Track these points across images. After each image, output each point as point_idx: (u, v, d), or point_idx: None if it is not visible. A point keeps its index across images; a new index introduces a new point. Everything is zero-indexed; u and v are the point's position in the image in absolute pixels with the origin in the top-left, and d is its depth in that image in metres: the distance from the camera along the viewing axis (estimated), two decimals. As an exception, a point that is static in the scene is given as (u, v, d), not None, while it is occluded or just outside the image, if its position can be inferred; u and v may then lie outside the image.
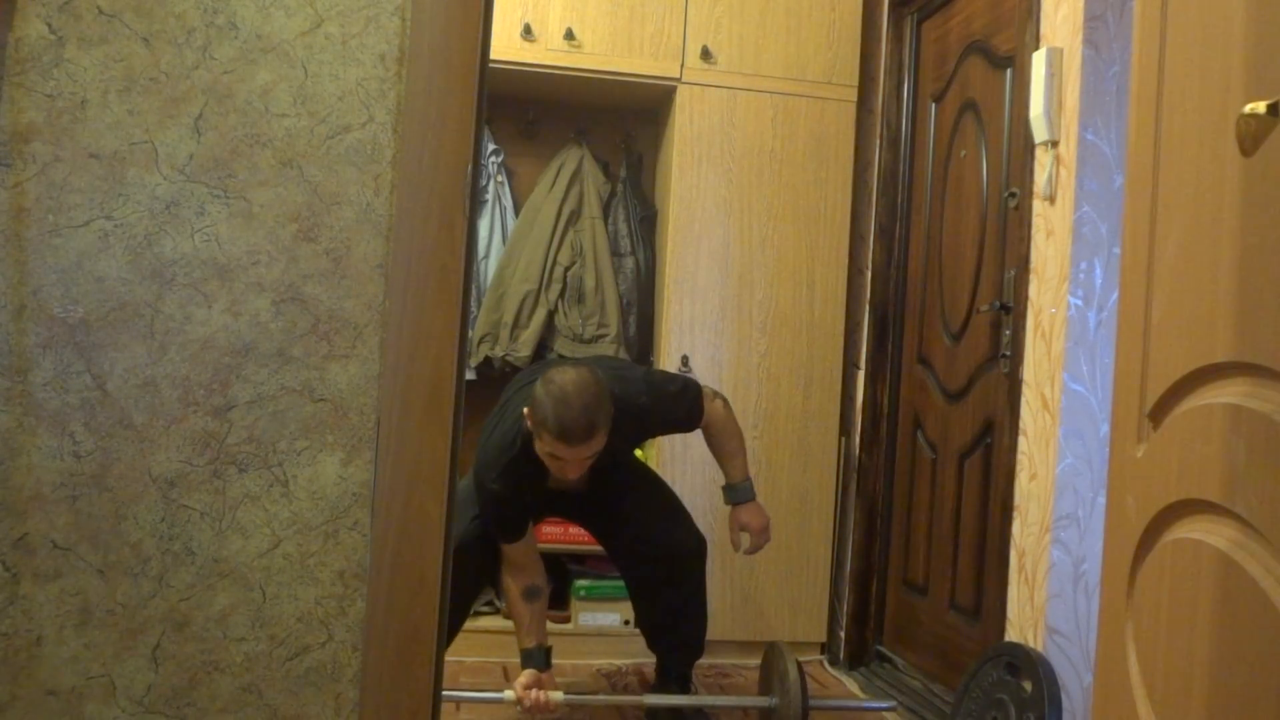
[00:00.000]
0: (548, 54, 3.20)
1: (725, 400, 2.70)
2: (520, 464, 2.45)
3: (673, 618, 2.73)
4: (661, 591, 2.71)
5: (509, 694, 2.49)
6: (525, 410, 2.39)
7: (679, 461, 3.19)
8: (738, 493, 2.70)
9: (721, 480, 2.76)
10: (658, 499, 2.76)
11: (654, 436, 3.04)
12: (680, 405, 2.60)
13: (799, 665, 2.52)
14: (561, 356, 3.29)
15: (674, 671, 2.76)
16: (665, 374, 2.74)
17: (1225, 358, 1.24)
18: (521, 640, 2.58)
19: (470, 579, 2.57)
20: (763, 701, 2.61)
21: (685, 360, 3.24)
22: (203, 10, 1.24)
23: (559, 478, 2.47)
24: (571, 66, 3.21)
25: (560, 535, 3.14)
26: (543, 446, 2.37)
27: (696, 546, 2.72)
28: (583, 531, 2.90)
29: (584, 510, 2.75)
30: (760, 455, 3.23)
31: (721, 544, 2.97)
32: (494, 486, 2.47)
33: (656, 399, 2.56)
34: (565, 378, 2.33)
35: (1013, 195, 2.59)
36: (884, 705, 2.85)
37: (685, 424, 2.67)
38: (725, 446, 2.69)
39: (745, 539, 2.70)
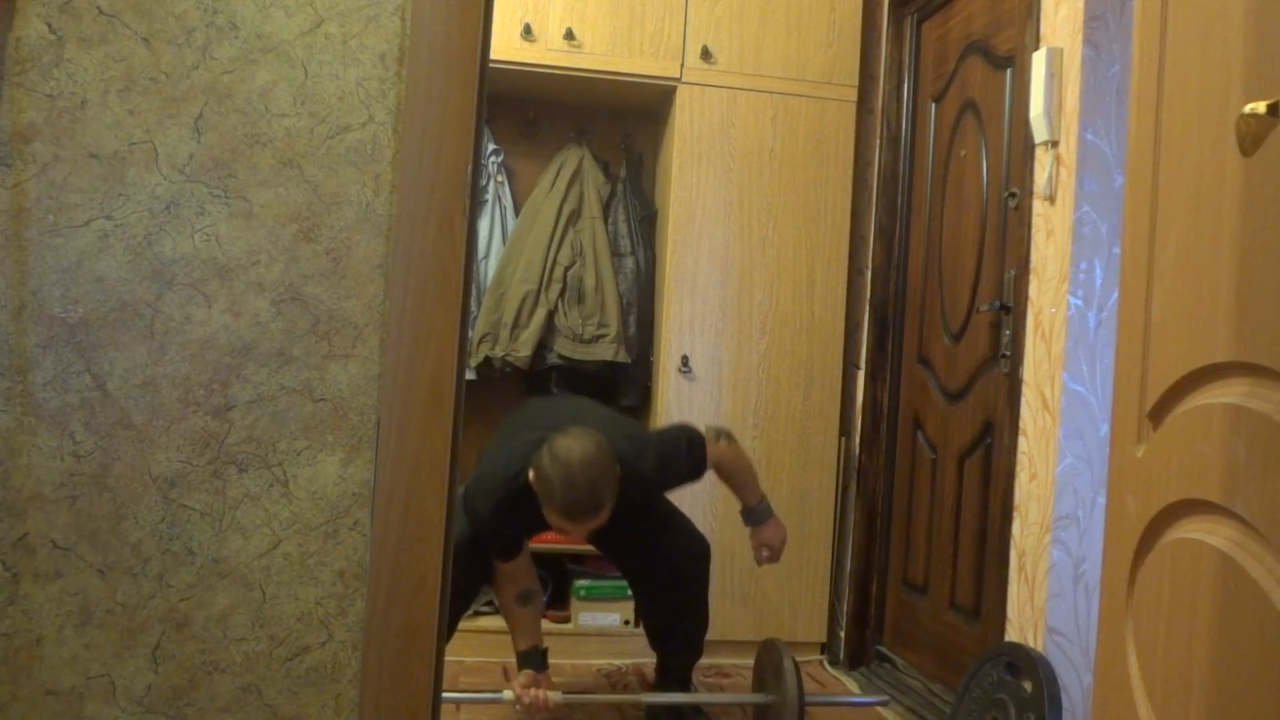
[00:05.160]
0: (548, 54, 3.20)
1: (729, 435, 2.64)
2: (520, 498, 2.41)
3: (675, 619, 2.73)
4: (665, 593, 2.70)
5: (508, 694, 2.49)
6: (530, 475, 2.36)
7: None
8: (755, 515, 2.69)
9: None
10: (658, 506, 2.75)
11: (659, 494, 2.92)
12: (686, 465, 2.56)
13: (794, 661, 2.52)
14: (564, 374, 3.26)
15: (675, 672, 2.77)
16: (671, 433, 2.63)
17: (1225, 358, 1.24)
18: (517, 643, 2.57)
19: (470, 576, 2.56)
20: (759, 698, 2.62)
21: (685, 360, 3.24)
22: (203, 10, 1.24)
23: None
24: (571, 66, 3.21)
25: (560, 535, 3.13)
26: (548, 514, 2.36)
27: (700, 549, 2.72)
28: (582, 531, 2.89)
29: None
30: (760, 455, 3.23)
31: (721, 545, 2.97)
32: (488, 517, 2.44)
33: (662, 467, 2.52)
34: (572, 454, 2.28)
35: (1013, 195, 2.59)
36: (877, 700, 2.86)
37: (691, 478, 2.63)
38: (736, 479, 2.67)
39: (766, 553, 2.69)
